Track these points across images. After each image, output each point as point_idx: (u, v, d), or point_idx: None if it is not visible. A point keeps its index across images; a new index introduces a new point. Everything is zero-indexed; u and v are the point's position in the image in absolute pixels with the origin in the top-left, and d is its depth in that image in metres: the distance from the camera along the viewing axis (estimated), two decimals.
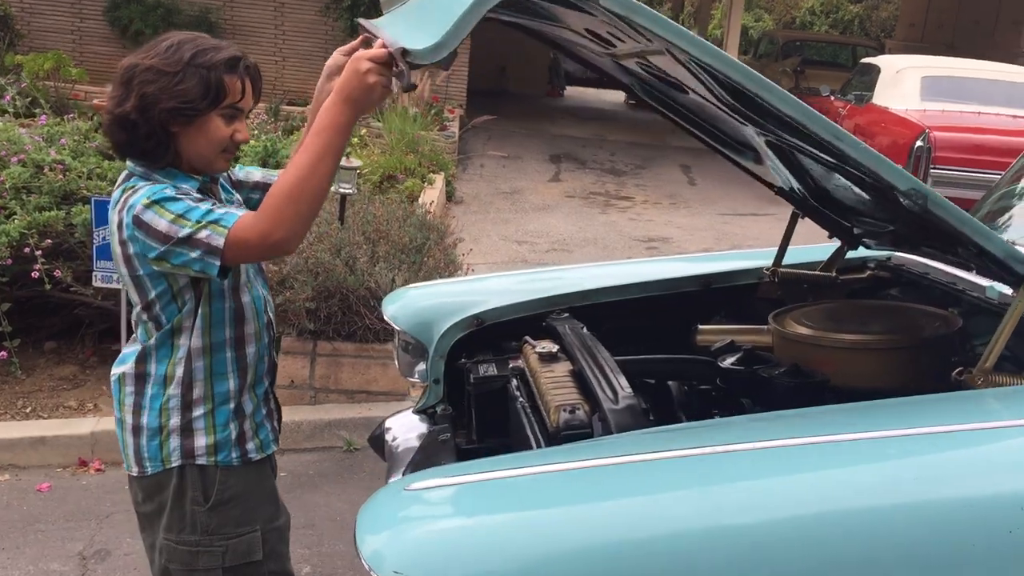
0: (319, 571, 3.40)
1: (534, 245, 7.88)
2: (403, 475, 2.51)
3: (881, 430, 1.87)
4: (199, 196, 1.93)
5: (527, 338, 2.59)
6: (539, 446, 2.18)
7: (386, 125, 8.88)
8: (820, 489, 1.72)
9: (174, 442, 2.02)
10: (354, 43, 2.02)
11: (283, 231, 1.82)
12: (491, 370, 2.69)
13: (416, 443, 2.71)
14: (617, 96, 19.55)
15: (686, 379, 2.53)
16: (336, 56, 2.11)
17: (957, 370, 2.18)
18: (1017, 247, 2.14)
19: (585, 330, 2.60)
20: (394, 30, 1.88)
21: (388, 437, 2.85)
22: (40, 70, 9.78)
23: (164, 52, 1.92)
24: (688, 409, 2.40)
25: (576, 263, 6.34)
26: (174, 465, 2.03)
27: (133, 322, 2.08)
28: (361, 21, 2.14)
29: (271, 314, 2.19)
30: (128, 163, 2.00)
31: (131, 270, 1.96)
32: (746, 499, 1.69)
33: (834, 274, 3.04)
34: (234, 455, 2.07)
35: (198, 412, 2.03)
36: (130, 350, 2.07)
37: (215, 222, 1.84)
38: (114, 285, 4.21)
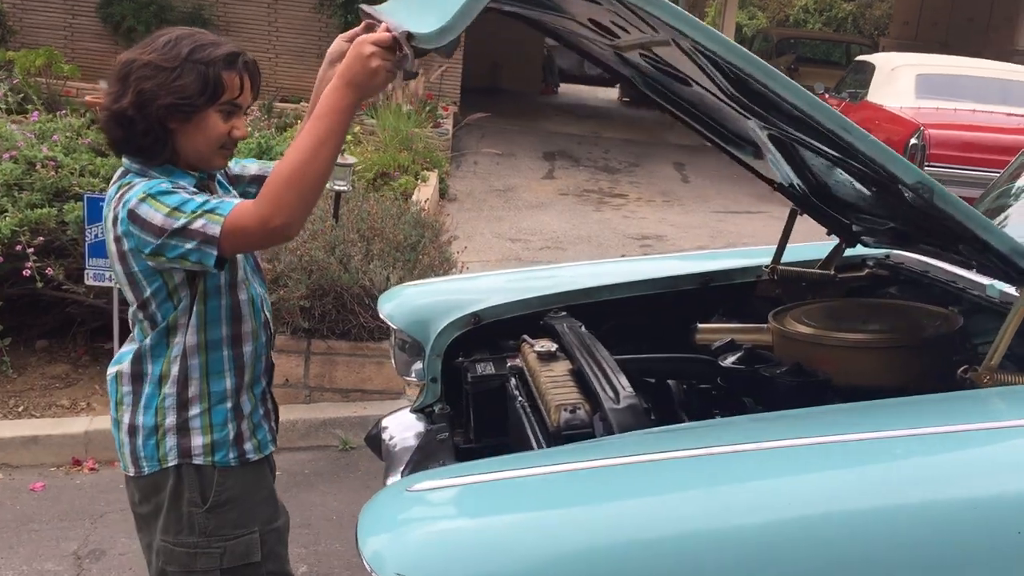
0: (316, 570, 3.38)
1: (528, 243, 7.87)
2: (402, 475, 2.49)
3: (887, 430, 1.86)
4: (195, 190, 1.90)
5: (525, 337, 2.57)
6: (539, 446, 2.16)
7: (380, 122, 8.86)
8: (827, 489, 1.71)
9: (170, 441, 2.00)
10: (356, 29, 1.99)
11: (284, 216, 1.79)
12: (489, 369, 2.67)
13: (414, 442, 2.69)
14: (611, 93, 19.57)
15: (686, 378, 2.51)
16: (338, 42, 2.09)
17: (962, 368, 2.17)
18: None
19: (583, 329, 2.58)
20: (398, 16, 1.86)
21: (385, 436, 2.83)
22: (32, 66, 9.74)
23: (162, 48, 1.89)
24: (689, 408, 2.39)
25: (569, 261, 6.33)
26: (171, 465, 2.00)
27: (129, 321, 2.06)
28: (363, 7, 2.11)
29: (268, 313, 2.16)
30: (124, 160, 1.97)
31: (126, 267, 1.93)
32: (753, 499, 1.68)
33: (833, 272, 3.03)
34: (232, 455, 2.04)
35: (194, 411, 2.00)
36: (127, 349, 2.05)
37: (211, 211, 1.81)
38: (106, 283, 4.17)
